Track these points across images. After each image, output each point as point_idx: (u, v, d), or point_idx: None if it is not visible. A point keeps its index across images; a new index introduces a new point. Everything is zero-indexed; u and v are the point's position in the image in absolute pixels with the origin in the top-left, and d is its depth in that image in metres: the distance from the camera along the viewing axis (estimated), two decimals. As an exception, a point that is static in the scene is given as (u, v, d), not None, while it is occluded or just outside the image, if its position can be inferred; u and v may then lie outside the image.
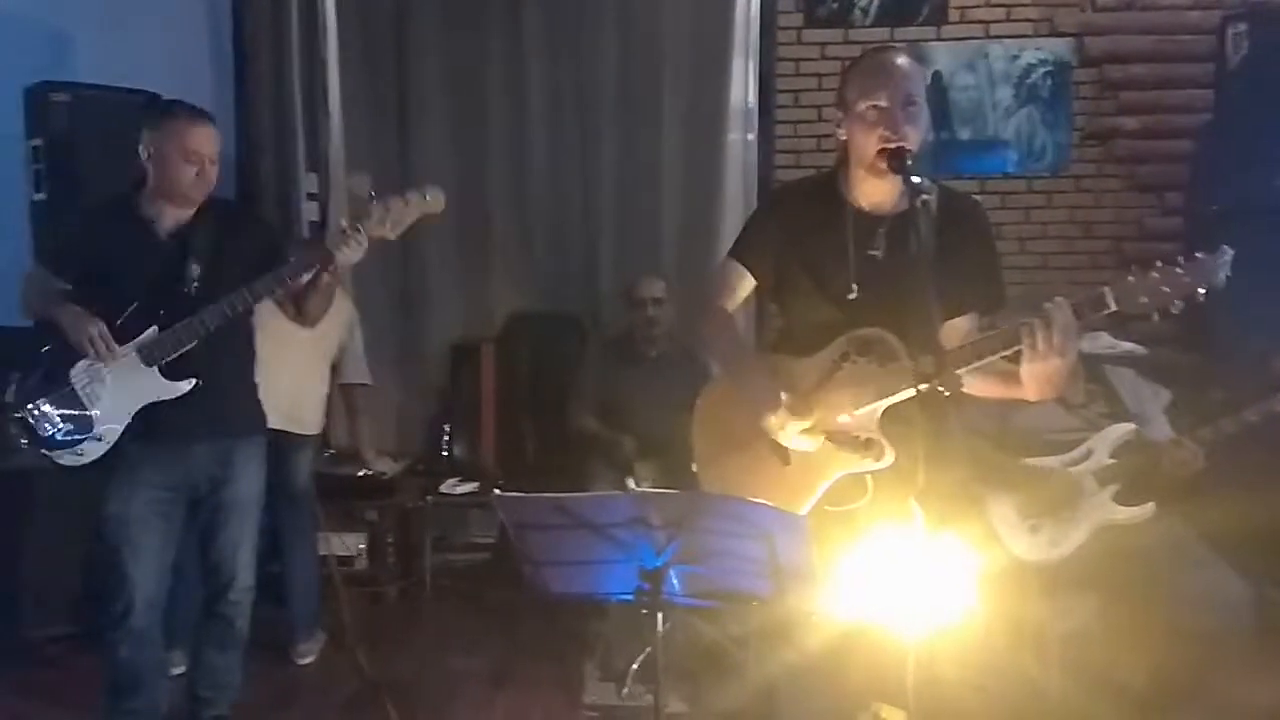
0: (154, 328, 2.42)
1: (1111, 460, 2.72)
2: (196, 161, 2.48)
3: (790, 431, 1.95)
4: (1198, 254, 1.73)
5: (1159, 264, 1.73)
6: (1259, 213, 3.64)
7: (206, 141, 2.50)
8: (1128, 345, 2.98)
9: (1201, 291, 1.71)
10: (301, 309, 2.64)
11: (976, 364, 1.82)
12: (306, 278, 2.50)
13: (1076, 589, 2.74)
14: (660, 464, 3.58)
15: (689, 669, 3.17)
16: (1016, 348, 1.77)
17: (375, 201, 2.46)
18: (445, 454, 4.35)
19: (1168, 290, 1.71)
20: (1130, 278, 1.74)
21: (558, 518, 1.76)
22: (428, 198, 2.48)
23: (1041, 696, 2.65)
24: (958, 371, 1.79)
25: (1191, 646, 2.54)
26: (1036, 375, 1.77)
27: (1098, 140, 4.34)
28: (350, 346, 3.71)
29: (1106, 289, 1.74)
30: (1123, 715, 2.57)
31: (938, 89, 4.28)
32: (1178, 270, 1.72)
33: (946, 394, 1.72)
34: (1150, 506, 2.66)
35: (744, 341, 2.23)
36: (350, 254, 2.44)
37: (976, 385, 1.90)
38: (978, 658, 2.18)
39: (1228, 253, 1.72)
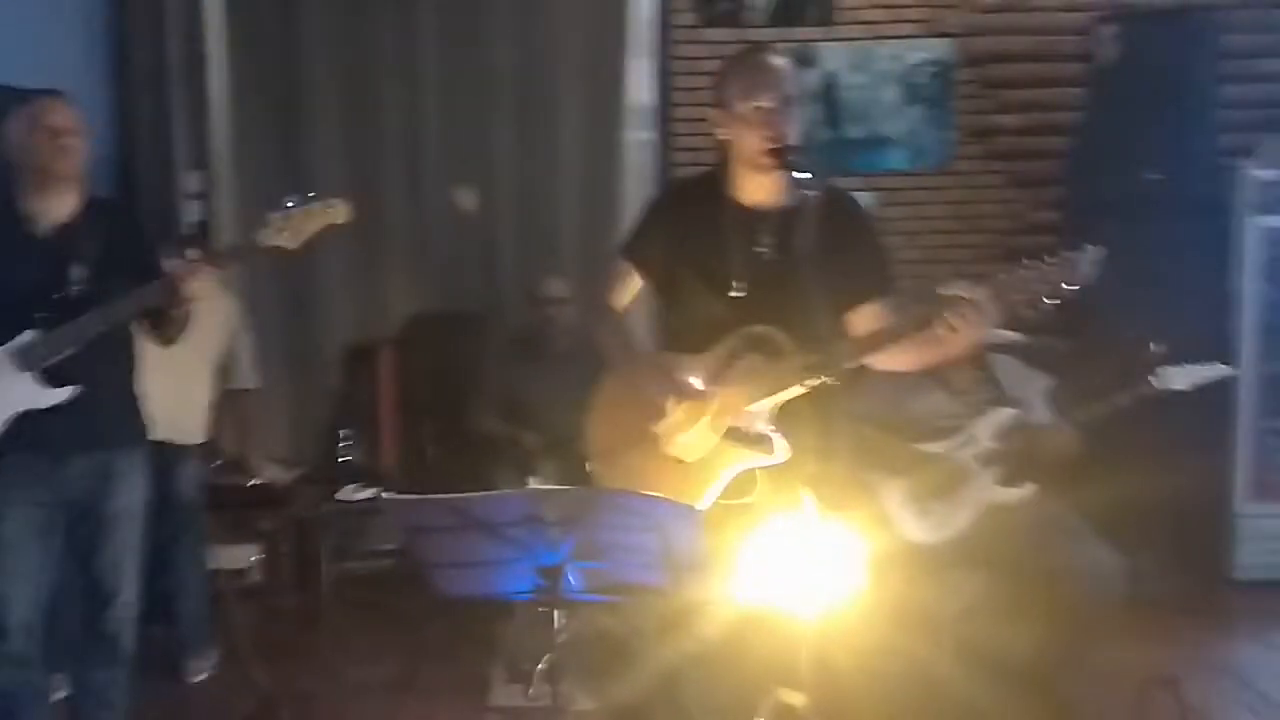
0: (30, 331, 2.30)
1: (994, 444, 2.82)
2: (45, 128, 2.37)
3: (687, 431, 1.97)
4: (1066, 251, 1.83)
5: (1027, 261, 1.82)
6: (1131, 205, 3.85)
7: (58, 114, 2.40)
8: (1009, 334, 3.11)
9: (1072, 287, 1.81)
10: (155, 330, 2.50)
11: (889, 347, 1.91)
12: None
13: (963, 568, 2.84)
14: (564, 463, 3.56)
15: (595, 665, 3.17)
16: (926, 329, 1.84)
17: (275, 211, 2.37)
18: (343, 460, 4.26)
19: (1039, 286, 1.80)
20: (1003, 275, 1.83)
21: (450, 519, 1.75)
22: (332, 207, 2.39)
23: (930, 675, 2.74)
24: (866, 356, 1.91)
25: (1070, 618, 2.66)
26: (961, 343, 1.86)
27: (980, 137, 4.50)
28: (236, 349, 3.59)
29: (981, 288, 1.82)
30: (1008, 688, 2.67)
31: (828, 88, 4.37)
32: (1047, 267, 1.81)
33: (834, 383, 1.77)
34: (1031, 487, 2.78)
35: (637, 339, 2.26)
36: (195, 292, 2.32)
37: (897, 360, 1.98)
38: (870, 639, 2.24)
39: (1096, 250, 1.82)
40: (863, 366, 2.02)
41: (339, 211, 2.41)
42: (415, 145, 4.44)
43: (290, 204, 2.38)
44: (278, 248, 2.38)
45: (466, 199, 3.11)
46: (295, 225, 2.37)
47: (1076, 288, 1.80)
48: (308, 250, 2.47)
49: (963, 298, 1.79)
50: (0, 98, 3.39)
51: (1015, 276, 1.81)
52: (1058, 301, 1.81)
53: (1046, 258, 1.81)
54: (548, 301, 3.87)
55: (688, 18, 4.45)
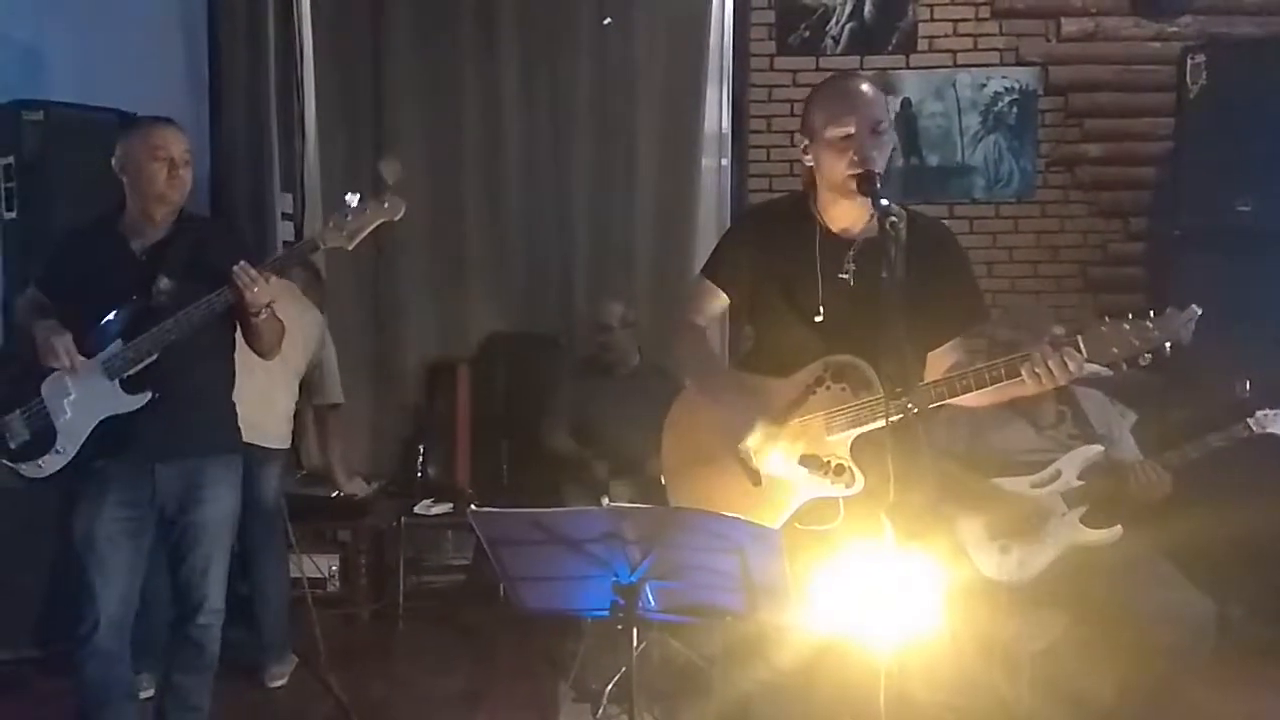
0: (118, 341, 2.42)
1: (1080, 482, 2.73)
2: (164, 159, 2.47)
3: (766, 454, 1.97)
4: (1168, 308, 1.80)
5: (1130, 316, 1.81)
6: (1220, 237, 3.74)
7: (172, 140, 2.50)
8: (1095, 367, 3.04)
9: (1168, 346, 1.77)
10: (247, 341, 2.59)
11: (975, 391, 1.90)
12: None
13: (1046, 607, 2.76)
14: (634, 482, 3.58)
15: (663, 689, 3.17)
16: (1015, 379, 1.85)
17: (329, 216, 2.44)
18: (419, 475, 4.33)
19: (1136, 343, 1.79)
20: (1102, 328, 1.81)
21: (533, 533, 1.77)
22: (386, 205, 2.43)
23: (1011, 714, 2.68)
24: (951, 399, 1.89)
25: (1156, 662, 2.57)
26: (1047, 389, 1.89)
27: (1063, 166, 4.43)
28: (323, 364, 3.65)
29: (1079, 337, 1.82)
30: (1090, 730, 2.60)
31: (907, 116, 4.34)
32: (1147, 324, 1.79)
33: (915, 410, 1.76)
34: (1118, 529, 2.69)
35: (718, 358, 2.26)
36: (258, 296, 2.39)
37: (978, 399, 1.95)
38: (949, 675, 2.21)
39: (1195, 311, 1.79)
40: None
41: (394, 208, 2.44)
42: (496, 170, 4.53)
43: (347, 205, 2.42)
44: (337, 249, 2.45)
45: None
46: (351, 226, 2.42)
47: (1172, 348, 1.78)
48: (370, 251, 2.49)
49: (1055, 350, 1.79)
50: (107, 120, 3.62)
51: (1114, 332, 1.79)
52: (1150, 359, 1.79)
53: (1150, 313, 1.79)
54: (606, 327, 3.89)
55: (765, 46, 4.48)
